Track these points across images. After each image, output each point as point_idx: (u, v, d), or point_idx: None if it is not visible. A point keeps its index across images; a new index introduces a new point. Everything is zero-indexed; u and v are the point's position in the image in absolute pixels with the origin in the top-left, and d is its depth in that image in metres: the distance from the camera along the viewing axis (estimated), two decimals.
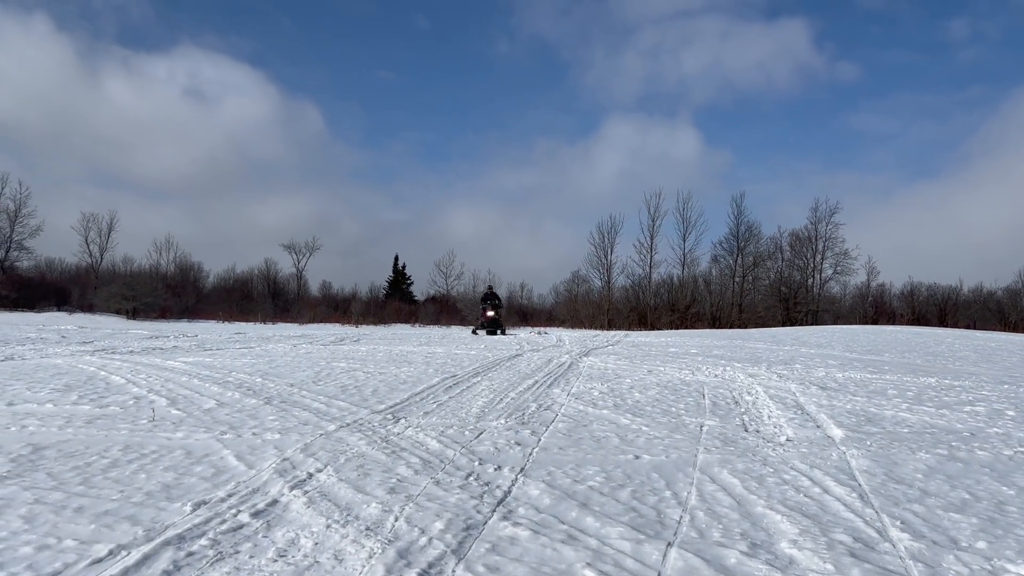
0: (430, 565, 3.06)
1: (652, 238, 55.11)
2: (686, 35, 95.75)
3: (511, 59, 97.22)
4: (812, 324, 48.87)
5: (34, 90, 77.83)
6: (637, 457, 5.23)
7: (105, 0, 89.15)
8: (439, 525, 3.55)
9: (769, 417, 7.04)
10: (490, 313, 27.47)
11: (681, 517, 3.81)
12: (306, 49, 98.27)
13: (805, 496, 4.27)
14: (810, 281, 56.32)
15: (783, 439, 5.97)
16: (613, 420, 6.75)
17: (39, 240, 61.32)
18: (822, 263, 55.89)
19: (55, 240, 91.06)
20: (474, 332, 27.20)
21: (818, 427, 6.52)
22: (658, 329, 46.20)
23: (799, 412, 7.29)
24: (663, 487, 4.43)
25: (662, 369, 11.66)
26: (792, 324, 49.88)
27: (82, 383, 8.39)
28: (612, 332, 37.75)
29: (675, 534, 3.54)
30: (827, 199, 66.16)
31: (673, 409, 7.43)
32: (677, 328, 47.23)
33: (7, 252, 57.61)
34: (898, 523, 3.78)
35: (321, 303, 61.63)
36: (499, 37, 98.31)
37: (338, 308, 59.12)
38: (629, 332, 37.29)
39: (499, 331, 27.29)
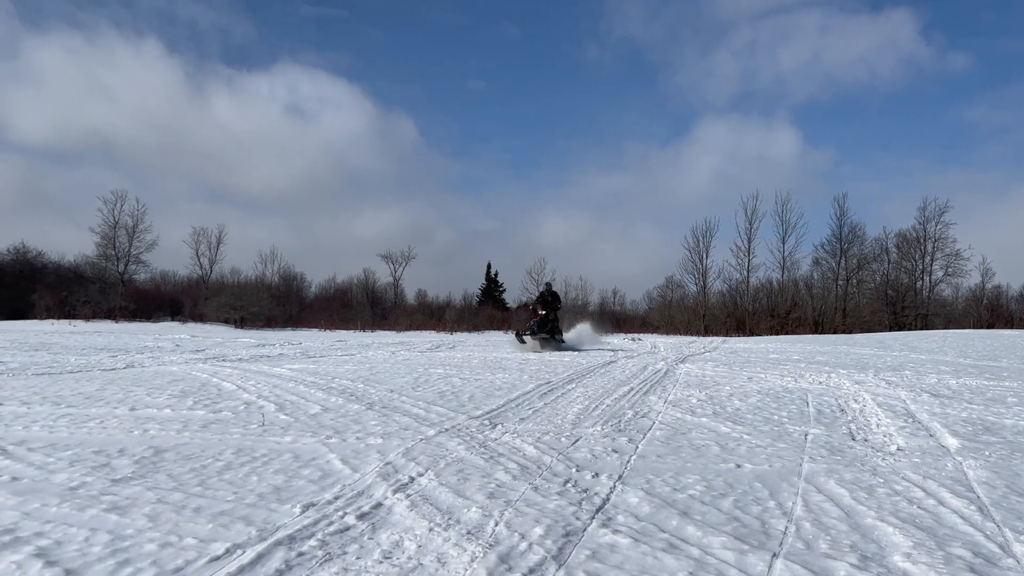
0: (531, 570, 3.08)
1: (749, 241, 53.85)
2: (783, 31, 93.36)
3: (601, 63, 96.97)
4: (922, 328, 46.61)
5: (147, 111, 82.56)
6: (739, 466, 5.12)
7: (211, 22, 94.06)
8: (539, 531, 3.57)
9: (878, 425, 6.76)
10: (542, 311, 20.48)
11: (786, 528, 3.71)
12: (399, 62, 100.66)
13: (919, 508, 4.09)
14: (919, 284, 53.79)
15: (893, 448, 5.73)
16: (713, 428, 6.63)
17: (154, 254, 64.87)
18: (932, 265, 53.33)
19: (168, 254, 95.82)
20: (519, 339, 20.75)
21: (931, 436, 6.23)
22: (757, 335, 45.01)
23: (910, 420, 6.98)
24: (767, 497, 4.32)
25: (763, 376, 11.37)
26: (900, 329, 47.72)
27: (196, 389, 8.83)
28: (709, 338, 37.03)
29: (780, 545, 3.45)
30: (936, 197, 62.84)
31: (775, 417, 7.24)
32: (777, 334, 45.91)
33: (126, 266, 61.17)
34: (1023, 538, 3.57)
35: (417, 311, 62.81)
36: (588, 42, 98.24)
37: (433, 316, 60.11)
38: (727, 338, 36.50)
39: (554, 338, 20.49)
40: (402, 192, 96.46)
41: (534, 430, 6.38)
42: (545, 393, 8.94)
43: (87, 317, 53.89)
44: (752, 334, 46.16)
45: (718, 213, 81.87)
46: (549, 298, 20.94)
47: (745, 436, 6.24)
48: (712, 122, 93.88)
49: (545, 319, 20.28)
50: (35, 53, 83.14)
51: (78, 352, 16.62)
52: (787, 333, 46.21)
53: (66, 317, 53.38)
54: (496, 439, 5.94)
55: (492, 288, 70.39)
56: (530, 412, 7.42)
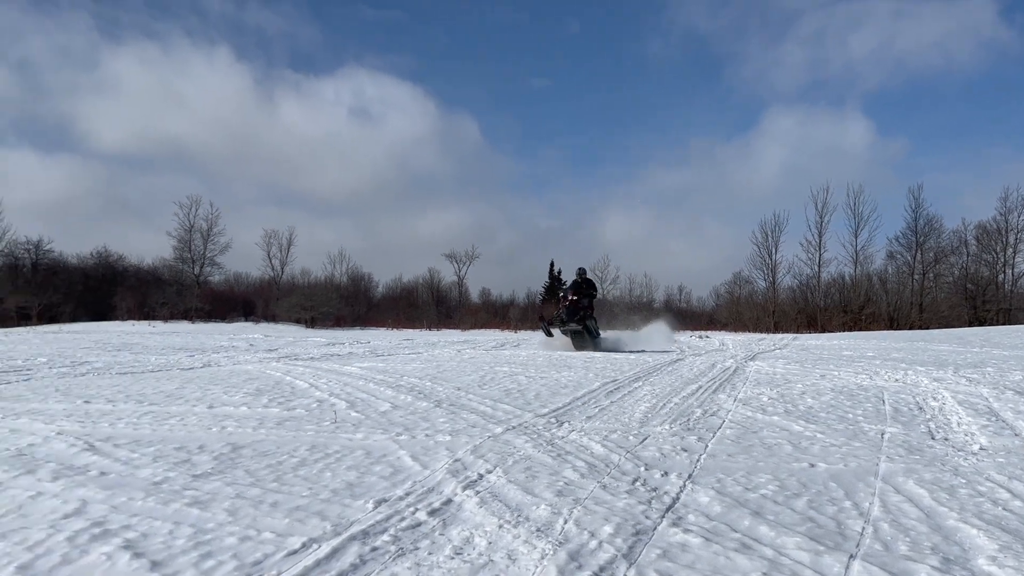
0: (601, 568, 3.08)
1: (820, 235, 52.63)
2: (853, 17, 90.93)
3: (664, 57, 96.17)
4: (1004, 324, 44.70)
5: (219, 117, 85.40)
6: (812, 465, 5.01)
7: (278, 28, 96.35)
8: (608, 529, 3.56)
9: (959, 424, 6.53)
10: (572, 297, 17.60)
11: (863, 528, 3.62)
12: (461, 63, 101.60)
13: (1004, 510, 3.93)
14: (1000, 277, 51.67)
15: (976, 448, 5.52)
16: (784, 427, 6.50)
17: (227, 256, 66.93)
18: (1014, 257, 51.16)
19: (241, 256, 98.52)
20: (546, 330, 18.75)
21: (1016, 435, 5.98)
22: (829, 331, 43.93)
23: (993, 419, 6.71)
24: (842, 497, 4.22)
25: (836, 373, 11.09)
26: (981, 324, 45.90)
27: (271, 387, 9.07)
28: (779, 335, 36.29)
29: (857, 546, 3.36)
30: (1019, 186, 60.18)
31: (850, 415, 7.05)
32: (850, 330, 44.72)
33: (201, 268, 63.22)
34: None
35: (481, 309, 63.32)
36: (651, 36, 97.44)
37: (497, 314, 60.48)
38: (797, 335, 35.72)
39: (586, 327, 17.56)
40: (465, 192, 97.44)
41: (601, 428, 6.36)
42: (611, 391, 8.90)
43: (165, 318, 55.92)
44: (824, 331, 45.08)
45: (787, 207, 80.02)
46: (583, 285, 18.30)
47: (818, 435, 6.10)
48: (780, 113, 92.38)
49: (576, 306, 17.45)
50: (113, 64, 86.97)
51: (157, 352, 17.24)
52: (860, 329, 44.96)
53: (145, 318, 55.49)
54: (563, 437, 5.95)
55: (555, 286, 70.26)
56: (596, 410, 7.40)
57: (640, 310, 47.98)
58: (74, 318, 56.00)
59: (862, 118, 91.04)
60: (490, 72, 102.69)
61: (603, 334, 19.32)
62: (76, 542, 3.35)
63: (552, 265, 71.40)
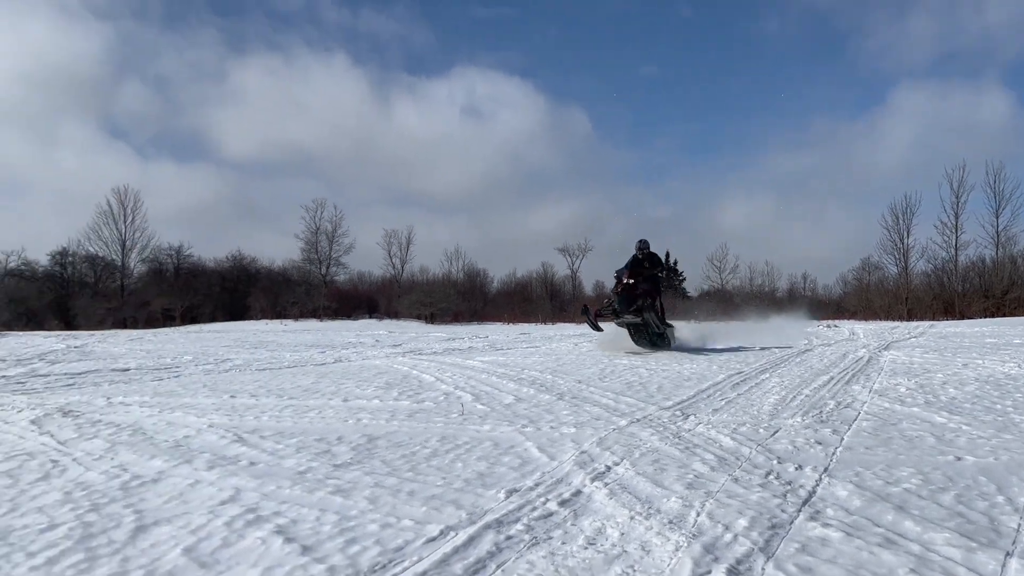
0: (738, 561, 3.04)
1: (956, 216, 49.38)
2: None
3: (782, 36, 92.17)
4: None
5: (338, 122, 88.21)
6: (958, 459, 4.75)
7: (391, 32, 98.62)
8: (743, 522, 3.51)
9: None
10: (628, 280, 13.65)
11: (1020, 525, 3.41)
12: (572, 55, 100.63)
13: None
14: None
15: None
16: (925, 418, 6.19)
17: (351, 256, 69.11)
18: None
19: (362, 256, 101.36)
20: (594, 324, 14.83)
21: None
22: (968, 318, 41.26)
23: None
24: (993, 492, 3.99)
25: (980, 362, 10.45)
26: None
27: (399, 381, 9.40)
28: (913, 322, 34.47)
29: (1014, 543, 3.18)
30: None
31: (998, 406, 6.64)
32: (992, 316, 41.84)
33: (327, 268, 65.80)
34: None
35: (595, 302, 62.90)
36: (768, 14, 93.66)
37: None
38: (934, 322, 33.82)
39: (644, 320, 13.53)
40: (577, 185, 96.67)
41: (729, 421, 6.25)
42: (737, 383, 8.71)
43: (296, 317, 58.55)
44: (963, 317, 42.39)
45: (919, 188, 74.47)
46: (645, 263, 14.37)
47: (964, 427, 5.77)
48: (908, 89, 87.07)
49: (632, 291, 13.51)
50: (239, 76, 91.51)
51: (291, 349, 18.12)
52: (1004, 315, 41.96)
53: (277, 317, 58.29)
54: (690, 430, 5.88)
55: (671, 277, 69.04)
56: (723, 403, 7.26)
57: (762, 299, 46.59)
58: (213, 318, 59.45)
59: (1001, 89, 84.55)
60: (599, 63, 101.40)
61: (713, 324, 17.43)
62: (233, 527, 3.59)
63: (667, 255, 70.00)
